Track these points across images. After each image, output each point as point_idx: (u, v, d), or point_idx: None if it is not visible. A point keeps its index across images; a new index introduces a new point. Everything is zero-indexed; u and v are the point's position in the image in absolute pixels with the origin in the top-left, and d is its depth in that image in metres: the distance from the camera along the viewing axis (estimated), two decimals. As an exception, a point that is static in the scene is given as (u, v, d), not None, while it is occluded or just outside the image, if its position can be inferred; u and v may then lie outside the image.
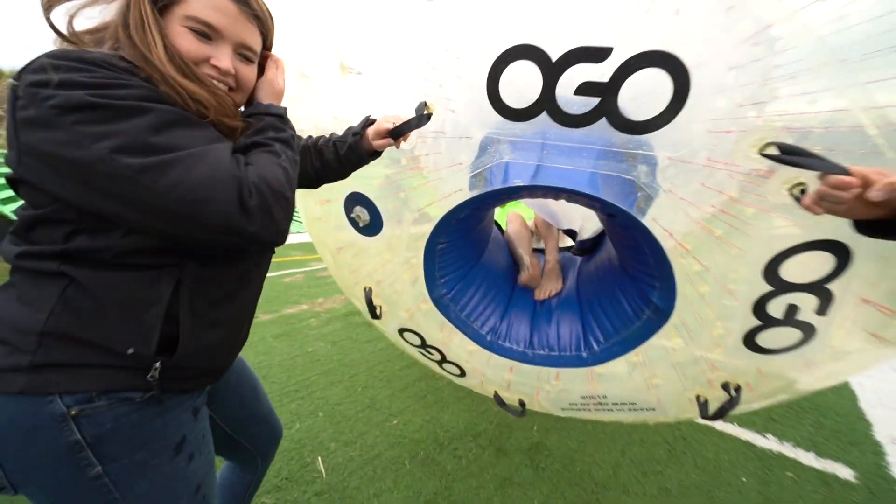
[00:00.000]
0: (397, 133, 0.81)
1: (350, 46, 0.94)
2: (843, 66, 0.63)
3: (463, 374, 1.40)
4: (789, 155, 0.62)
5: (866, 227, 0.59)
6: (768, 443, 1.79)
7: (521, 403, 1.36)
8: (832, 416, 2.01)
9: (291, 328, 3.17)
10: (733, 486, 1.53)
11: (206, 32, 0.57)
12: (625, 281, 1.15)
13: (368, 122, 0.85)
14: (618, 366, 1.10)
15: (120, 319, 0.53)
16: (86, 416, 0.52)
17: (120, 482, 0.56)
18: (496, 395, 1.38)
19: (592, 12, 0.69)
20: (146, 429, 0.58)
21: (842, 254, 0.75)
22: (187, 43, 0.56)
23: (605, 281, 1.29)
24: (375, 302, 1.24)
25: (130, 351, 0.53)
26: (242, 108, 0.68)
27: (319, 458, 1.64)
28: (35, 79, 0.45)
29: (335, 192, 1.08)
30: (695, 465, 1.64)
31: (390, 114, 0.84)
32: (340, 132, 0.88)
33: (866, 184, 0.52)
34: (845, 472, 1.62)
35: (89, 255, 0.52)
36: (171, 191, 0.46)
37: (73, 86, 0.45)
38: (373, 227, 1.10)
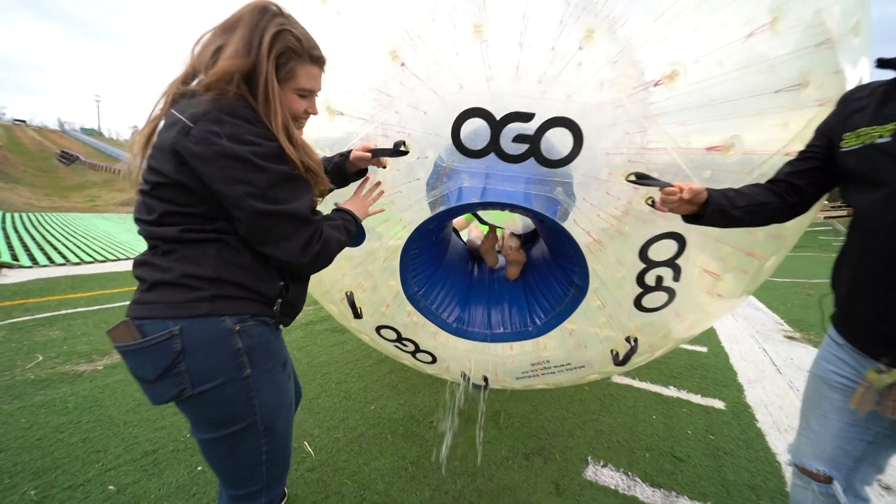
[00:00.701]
0: (377, 153, 1.04)
1: (337, 97, 1.15)
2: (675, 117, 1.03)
3: (434, 360, 1.60)
4: (641, 179, 0.98)
5: (687, 219, 1.00)
6: (670, 392, 2.32)
7: (485, 379, 1.61)
8: (712, 370, 2.65)
9: (251, 338, 3.12)
10: (647, 423, 1.98)
11: (307, 95, 0.86)
12: (554, 268, 1.48)
13: (348, 151, 1.06)
14: (555, 335, 1.40)
15: (254, 270, 0.80)
16: (244, 331, 0.78)
17: (256, 383, 0.81)
18: (463, 375, 1.60)
19: (522, 92, 1.01)
20: (271, 346, 0.85)
21: (680, 240, 1.13)
22: (296, 104, 0.84)
23: (541, 270, 1.61)
24: (358, 305, 1.41)
25: (265, 290, 0.81)
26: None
27: (305, 443, 1.75)
28: (210, 128, 0.70)
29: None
30: (620, 411, 2.08)
31: (368, 143, 1.07)
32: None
33: (682, 191, 0.93)
34: (719, 404, 2.18)
35: (229, 231, 0.78)
36: (272, 228, 0.76)
37: (232, 139, 0.70)
38: (357, 239, 1.28)
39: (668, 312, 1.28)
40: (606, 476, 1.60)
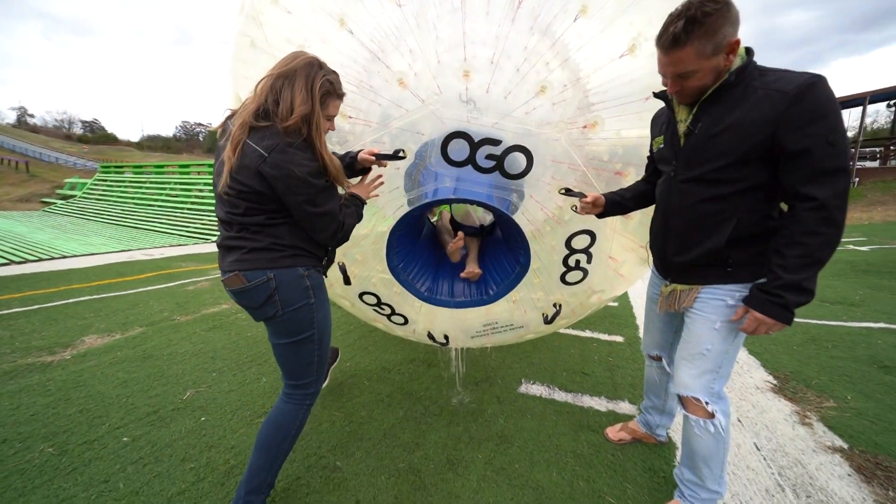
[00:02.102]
0: (380, 157, 1.31)
1: (354, 105, 1.40)
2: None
3: (406, 321, 1.88)
4: (568, 192, 1.36)
5: (599, 215, 1.38)
6: (586, 334, 2.98)
7: (445, 337, 1.98)
8: (619, 317, 3.38)
9: (221, 322, 3.28)
10: (566, 355, 2.59)
11: (331, 119, 1.21)
12: (505, 249, 1.86)
13: (357, 151, 1.35)
14: (503, 303, 1.73)
15: (310, 240, 1.23)
16: (309, 276, 1.22)
17: (317, 308, 1.25)
18: (429, 334, 1.96)
19: (499, 127, 1.33)
20: (323, 286, 1.29)
21: (592, 235, 1.54)
22: (325, 124, 1.17)
23: (496, 251, 1.97)
24: (349, 274, 1.69)
25: (318, 252, 1.26)
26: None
27: (295, 392, 2.08)
28: (279, 158, 1.07)
29: None
30: (547, 349, 2.67)
31: (374, 148, 1.37)
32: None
33: (591, 198, 1.36)
34: (619, 339, 2.88)
35: (287, 220, 1.18)
36: (314, 222, 1.16)
37: (293, 164, 1.08)
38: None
39: (584, 286, 1.71)
40: (534, 389, 2.16)
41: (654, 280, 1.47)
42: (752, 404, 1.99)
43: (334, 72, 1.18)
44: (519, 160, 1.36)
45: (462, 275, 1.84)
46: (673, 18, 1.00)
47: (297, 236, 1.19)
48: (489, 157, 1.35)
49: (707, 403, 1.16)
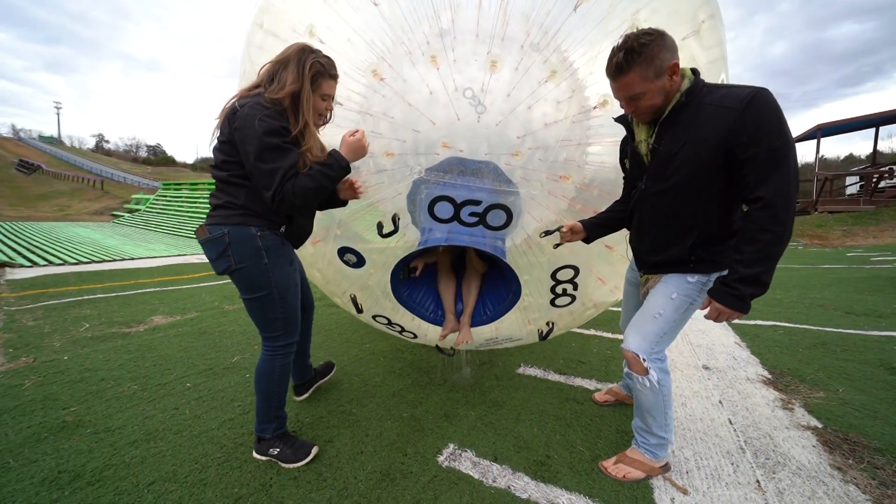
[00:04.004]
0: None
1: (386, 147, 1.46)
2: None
3: (415, 336, 2.04)
4: (547, 233, 1.49)
5: (584, 241, 1.50)
6: (589, 332, 3.14)
7: (452, 348, 2.20)
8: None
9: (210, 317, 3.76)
10: (567, 347, 2.78)
11: (327, 98, 1.35)
12: (501, 281, 1.81)
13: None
14: (503, 321, 1.83)
15: (266, 204, 1.28)
16: (262, 237, 1.31)
17: (272, 268, 1.34)
18: (437, 346, 2.07)
19: (477, 188, 1.43)
20: (280, 249, 1.36)
21: (576, 270, 1.69)
22: (320, 104, 1.33)
23: (493, 282, 1.91)
24: (359, 303, 1.93)
25: (272, 216, 1.34)
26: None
27: (321, 362, 2.44)
28: (248, 111, 1.19)
29: (325, 236, 1.77)
30: (550, 342, 2.85)
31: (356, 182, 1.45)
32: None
33: (568, 227, 1.53)
34: (622, 337, 3.02)
35: (247, 183, 1.29)
36: (260, 177, 1.21)
37: (254, 118, 1.18)
38: (358, 264, 1.76)
39: (574, 306, 1.87)
40: (531, 371, 2.38)
41: (631, 267, 1.71)
42: (738, 391, 2.10)
43: (327, 57, 1.31)
44: (500, 215, 1.48)
45: (441, 333, 1.88)
46: (615, 51, 1.16)
47: (252, 199, 1.28)
48: (472, 214, 1.47)
49: (644, 360, 1.36)
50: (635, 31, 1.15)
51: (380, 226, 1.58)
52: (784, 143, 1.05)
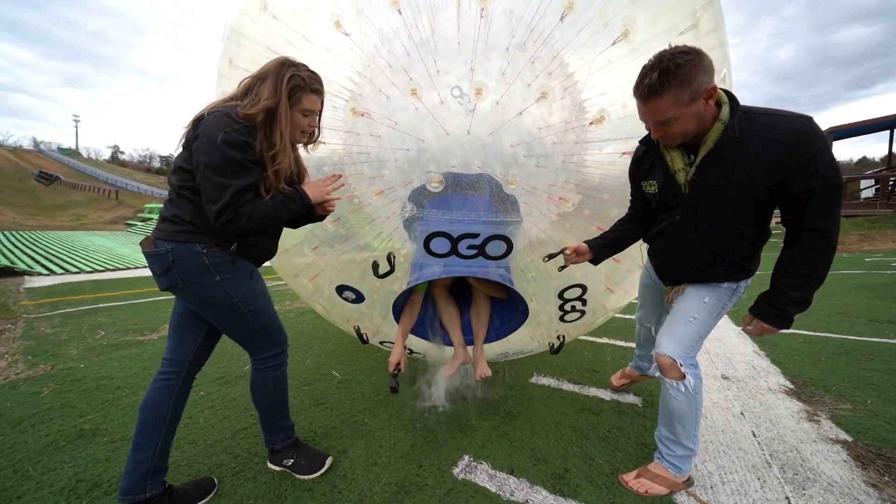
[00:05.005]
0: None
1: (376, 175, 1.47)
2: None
3: (424, 356, 2.11)
4: (550, 257, 1.48)
5: (591, 262, 1.49)
6: (603, 340, 3.09)
7: (396, 382, 2.06)
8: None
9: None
10: (580, 356, 2.73)
11: (309, 114, 1.24)
12: (509, 303, 1.81)
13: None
14: (513, 337, 1.84)
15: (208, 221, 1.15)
16: (208, 254, 1.17)
17: (229, 284, 1.21)
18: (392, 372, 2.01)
19: (473, 220, 1.42)
20: (234, 264, 1.22)
21: (583, 287, 1.72)
22: (301, 120, 1.22)
23: (503, 304, 1.88)
24: (364, 334, 1.90)
25: (220, 234, 1.18)
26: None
27: (334, 371, 2.44)
28: (213, 121, 1.09)
29: (323, 276, 1.80)
30: (563, 351, 2.83)
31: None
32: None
33: (572, 248, 1.45)
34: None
35: (195, 197, 1.16)
36: (208, 189, 1.09)
37: (217, 128, 1.08)
38: (358, 300, 1.79)
39: (583, 319, 1.90)
40: (544, 380, 2.34)
41: (647, 271, 1.72)
42: (760, 402, 2.03)
43: (310, 70, 1.22)
44: (500, 245, 1.46)
45: (450, 368, 1.87)
46: (647, 70, 1.04)
47: (198, 215, 1.16)
48: (470, 247, 1.44)
49: (681, 365, 1.33)
50: (670, 48, 1.04)
51: (375, 266, 1.56)
52: (837, 175, 1.06)
